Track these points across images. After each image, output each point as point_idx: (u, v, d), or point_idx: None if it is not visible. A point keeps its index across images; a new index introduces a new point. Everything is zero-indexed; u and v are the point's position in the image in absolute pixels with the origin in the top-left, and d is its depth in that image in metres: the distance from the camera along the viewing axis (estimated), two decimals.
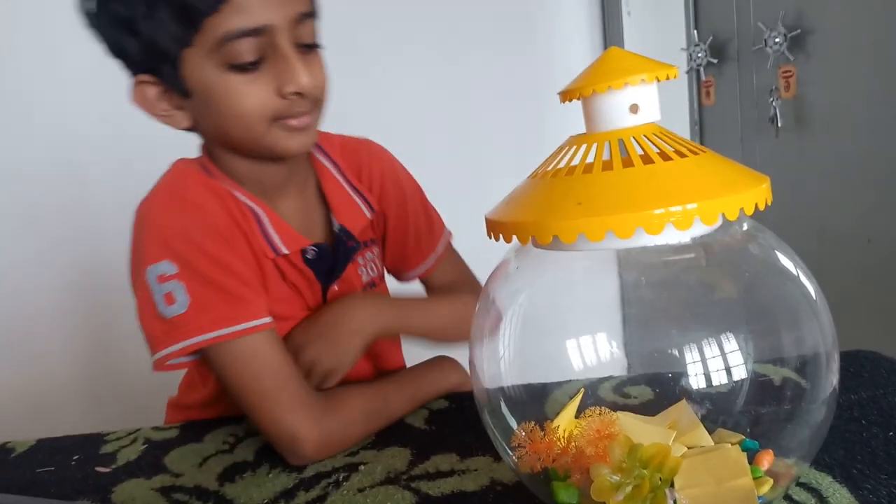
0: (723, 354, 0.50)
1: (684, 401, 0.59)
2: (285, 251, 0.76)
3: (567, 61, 2.04)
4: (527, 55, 2.03)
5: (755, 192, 0.44)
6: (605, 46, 2.03)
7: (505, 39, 2.00)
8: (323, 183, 0.82)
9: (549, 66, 2.03)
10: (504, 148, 1.96)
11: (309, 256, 0.78)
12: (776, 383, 0.52)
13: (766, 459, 0.52)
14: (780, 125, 1.62)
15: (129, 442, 0.77)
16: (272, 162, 0.74)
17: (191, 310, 0.67)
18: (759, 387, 0.53)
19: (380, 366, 0.89)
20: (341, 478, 0.63)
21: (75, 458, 0.74)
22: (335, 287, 0.81)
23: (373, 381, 0.77)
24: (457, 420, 0.73)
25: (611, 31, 2.04)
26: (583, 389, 0.60)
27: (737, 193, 0.43)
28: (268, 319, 0.70)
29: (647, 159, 0.44)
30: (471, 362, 0.55)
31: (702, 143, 1.96)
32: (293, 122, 0.69)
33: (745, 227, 0.49)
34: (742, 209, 0.43)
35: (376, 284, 0.88)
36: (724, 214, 0.42)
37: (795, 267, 0.49)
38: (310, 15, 0.70)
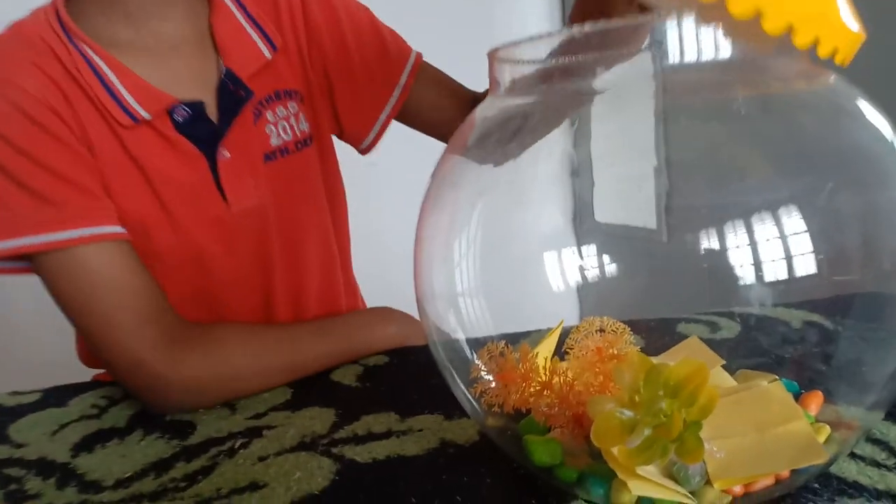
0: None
1: (696, 337, 0.45)
2: (145, 115, 0.60)
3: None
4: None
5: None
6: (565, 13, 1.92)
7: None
8: (213, 17, 0.65)
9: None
10: None
11: (177, 118, 0.61)
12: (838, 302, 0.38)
13: (815, 403, 0.38)
14: None
15: None
16: None
17: None
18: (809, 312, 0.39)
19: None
20: (238, 444, 0.47)
21: None
22: (224, 152, 0.63)
23: (283, 324, 0.62)
24: (399, 377, 0.57)
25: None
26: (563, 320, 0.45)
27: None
28: (101, 229, 0.56)
29: None
30: (416, 270, 0.40)
31: None
32: None
33: (832, 79, 0.34)
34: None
35: (292, 151, 0.68)
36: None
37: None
38: None
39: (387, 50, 0.73)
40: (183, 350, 0.55)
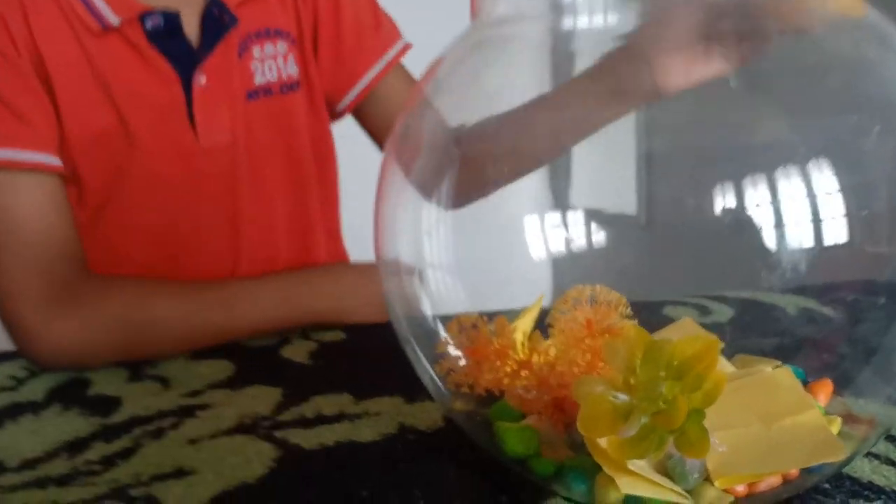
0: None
1: (689, 319, 0.41)
2: (114, 20, 0.55)
3: None
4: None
5: None
6: None
7: None
8: None
9: None
10: None
11: (148, 26, 0.57)
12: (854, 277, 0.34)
13: (824, 392, 0.34)
14: None
15: None
16: None
17: None
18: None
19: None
20: (167, 425, 0.41)
21: None
22: (201, 78, 0.59)
23: (222, 281, 0.57)
24: (357, 356, 0.52)
25: None
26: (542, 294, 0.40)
27: None
28: (15, 153, 0.52)
29: None
30: (377, 235, 0.35)
31: None
32: None
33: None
34: None
35: (276, 93, 0.64)
36: None
37: None
38: None
39: (380, 22, 0.70)
40: (64, 309, 0.51)
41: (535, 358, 0.30)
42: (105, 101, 0.57)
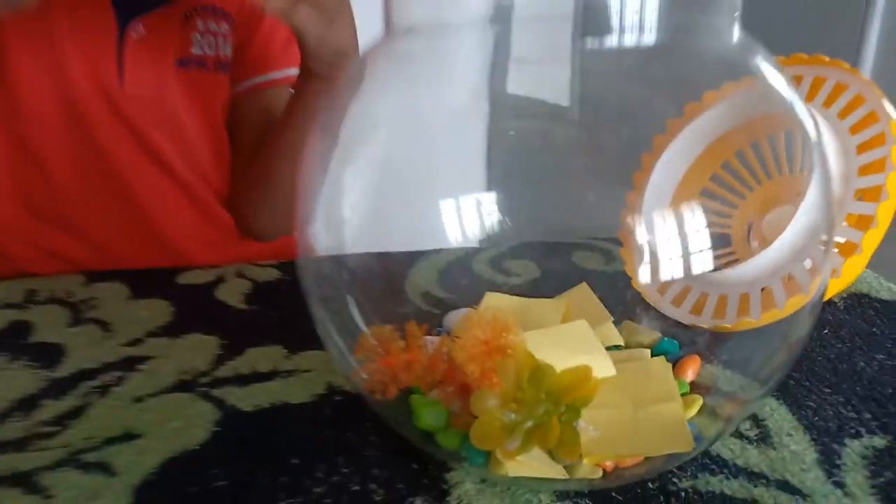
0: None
1: (585, 284, 0.46)
2: None
3: None
4: None
5: None
6: None
7: None
8: None
9: None
10: None
11: None
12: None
13: (692, 368, 0.40)
14: None
15: None
16: None
17: None
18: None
19: None
20: (112, 379, 0.44)
21: None
22: (139, 27, 0.61)
23: None
24: (289, 298, 0.55)
25: None
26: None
27: None
28: None
29: None
30: (299, 222, 0.37)
31: None
32: None
33: (736, 35, 0.32)
34: None
35: (210, 68, 0.66)
36: None
37: (795, 109, 0.33)
38: None
39: (292, 41, 0.68)
40: None
41: (440, 361, 0.34)
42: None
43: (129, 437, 0.39)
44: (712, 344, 0.42)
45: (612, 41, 0.30)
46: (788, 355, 0.33)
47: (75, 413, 0.41)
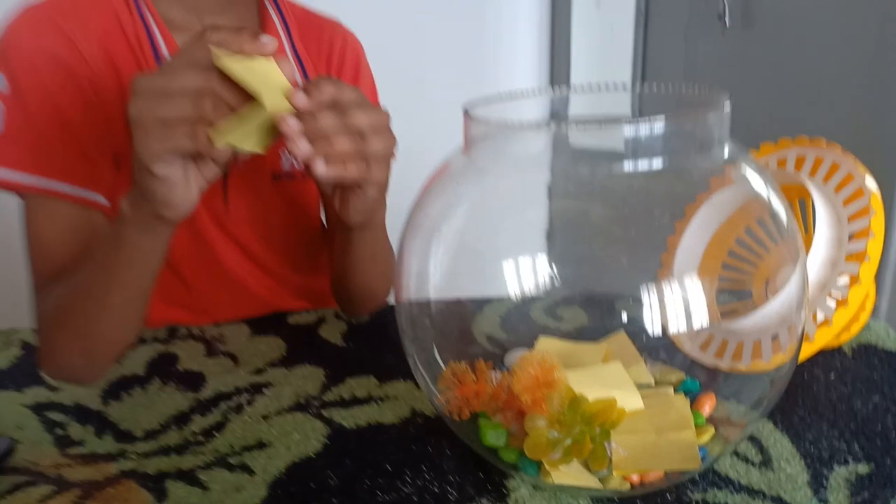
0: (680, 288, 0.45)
1: (623, 332, 0.55)
2: None
3: None
4: None
5: None
6: None
7: None
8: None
9: None
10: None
11: None
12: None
13: (709, 404, 0.49)
14: (727, 23, 1.55)
15: (2, 345, 0.68)
16: None
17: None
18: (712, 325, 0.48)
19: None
20: (244, 401, 0.56)
21: None
22: (239, 158, 0.70)
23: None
24: (378, 337, 0.67)
25: None
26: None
27: None
28: (73, 188, 0.64)
29: None
30: (397, 278, 0.48)
31: (645, 34, 1.87)
32: None
33: (727, 152, 0.42)
34: None
35: (298, 178, 0.76)
36: None
37: (778, 204, 0.43)
38: None
39: None
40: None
41: (503, 391, 0.44)
42: None
43: (261, 445, 0.51)
44: (717, 380, 0.51)
45: (647, 164, 0.40)
46: (777, 390, 0.42)
47: (219, 426, 0.53)
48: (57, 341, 0.59)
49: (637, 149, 0.39)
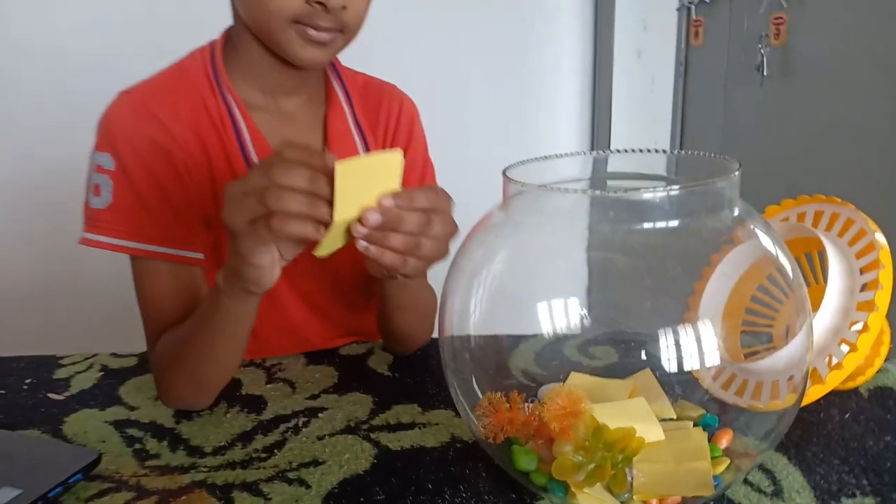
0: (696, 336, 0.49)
1: (649, 370, 0.59)
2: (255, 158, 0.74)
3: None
4: None
5: None
6: None
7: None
8: (329, 113, 0.80)
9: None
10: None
11: None
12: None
13: (725, 438, 0.53)
14: (765, 73, 1.59)
15: (85, 368, 0.76)
16: (284, 64, 0.73)
17: (109, 210, 0.70)
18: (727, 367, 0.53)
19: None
20: (301, 423, 0.62)
21: (27, 381, 0.72)
22: None
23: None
24: (420, 369, 0.72)
25: None
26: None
27: None
28: (173, 250, 0.71)
29: None
30: (441, 316, 0.54)
31: (685, 85, 1.92)
32: (311, 31, 0.68)
33: (737, 212, 0.47)
34: None
35: None
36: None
37: (784, 258, 0.48)
38: None
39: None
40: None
41: (534, 418, 0.49)
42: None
43: (316, 463, 0.56)
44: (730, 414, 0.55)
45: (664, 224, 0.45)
46: (785, 424, 0.46)
47: (279, 445, 0.59)
48: (171, 381, 0.66)
49: (654, 211, 0.44)
